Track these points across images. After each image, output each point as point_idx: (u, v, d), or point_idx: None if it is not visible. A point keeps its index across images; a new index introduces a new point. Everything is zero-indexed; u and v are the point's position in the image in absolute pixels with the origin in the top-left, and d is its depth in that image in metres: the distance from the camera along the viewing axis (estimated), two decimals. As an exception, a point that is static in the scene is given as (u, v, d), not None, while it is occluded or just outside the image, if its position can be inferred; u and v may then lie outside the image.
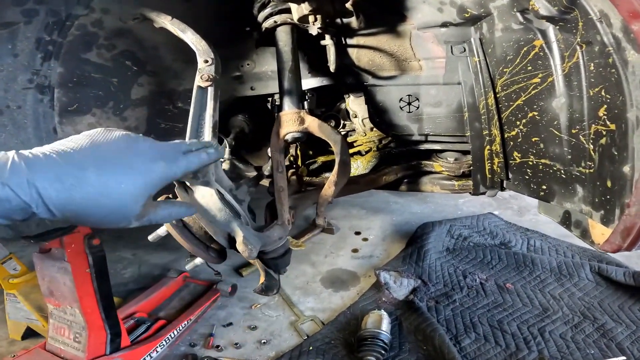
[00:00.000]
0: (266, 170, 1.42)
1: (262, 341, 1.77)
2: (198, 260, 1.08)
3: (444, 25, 1.21)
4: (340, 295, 2.06)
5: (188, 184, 1.02)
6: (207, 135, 1.03)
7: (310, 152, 1.68)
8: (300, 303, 2.02)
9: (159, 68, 1.47)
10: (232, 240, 0.99)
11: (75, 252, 1.35)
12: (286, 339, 1.79)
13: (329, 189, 1.16)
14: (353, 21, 1.26)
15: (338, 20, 1.29)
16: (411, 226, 2.66)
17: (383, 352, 1.58)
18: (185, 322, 1.79)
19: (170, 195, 1.09)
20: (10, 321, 1.83)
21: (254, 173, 1.63)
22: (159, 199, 0.90)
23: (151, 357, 1.61)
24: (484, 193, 1.41)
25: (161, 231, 1.03)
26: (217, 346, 1.75)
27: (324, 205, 1.18)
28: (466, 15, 1.14)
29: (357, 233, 2.65)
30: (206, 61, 1.06)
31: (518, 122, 1.18)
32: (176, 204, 0.72)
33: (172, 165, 0.64)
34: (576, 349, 1.57)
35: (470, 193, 1.49)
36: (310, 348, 1.70)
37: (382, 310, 1.75)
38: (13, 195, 0.48)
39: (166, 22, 1.14)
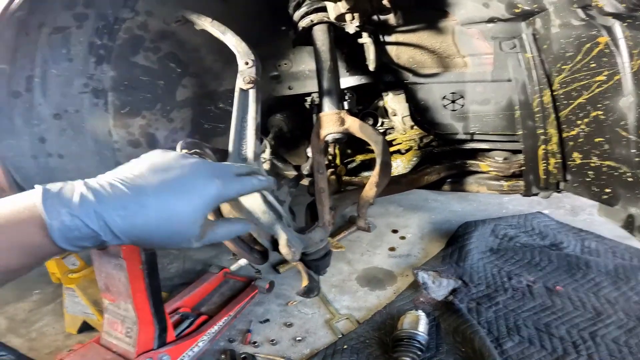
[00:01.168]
0: (305, 169, 1.46)
1: (298, 338, 1.82)
2: (242, 261, 1.12)
3: (491, 21, 1.19)
4: (376, 294, 2.08)
5: None
6: (250, 137, 1.06)
7: (349, 151, 1.70)
8: (336, 301, 2.05)
9: (200, 69, 1.53)
10: (275, 242, 1.02)
11: (130, 249, 1.42)
12: (321, 337, 1.83)
13: (370, 190, 1.17)
14: (390, 18, 1.26)
15: (375, 17, 1.29)
16: (451, 225, 2.63)
17: (419, 353, 1.59)
18: (225, 318, 1.84)
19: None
20: (68, 315, 1.93)
21: (293, 172, 1.66)
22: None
23: (193, 351, 1.66)
24: (536, 194, 1.38)
25: None
26: (254, 342, 1.80)
27: (365, 207, 1.20)
28: (516, 10, 1.12)
29: (395, 231, 2.65)
30: (247, 63, 1.09)
31: (579, 122, 1.14)
32: (233, 222, 0.75)
33: (227, 186, 0.66)
34: (629, 354, 1.52)
35: (520, 194, 1.45)
36: (345, 347, 1.72)
37: (420, 311, 1.76)
38: (82, 225, 0.53)
39: (206, 24, 1.17)
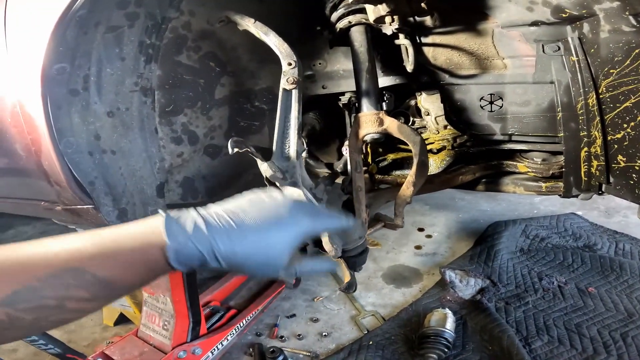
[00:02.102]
0: (338, 167, 1.51)
1: (323, 334, 1.85)
2: None
3: (535, 24, 1.22)
4: (402, 291, 2.11)
5: (277, 184, 1.11)
6: (293, 136, 1.11)
7: (380, 150, 1.74)
8: (361, 298, 2.09)
9: (237, 68, 1.60)
10: (316, 239, 1.07)
11: None
12: (346, 333, 1.86)
13: (407, 190, 1.22)
14: (427, 20, 1.30)
15: (411, 19, 1.32)
16: (479, 224, 2.65)
17: (446, 350, 1.62)
18: (254, 312, 1.89)
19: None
20: (107, 307, 1.99)
21: (324, 169, 1.72)
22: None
23: (223, 344, 1.71)
24: (576, 196, 1.40)
25: None
26: (281, 336, 1.85)
27: (402, 206, 1.24)
28: (563, 15, 1.14)
29: (421, 229, 2.68)
30: (290, 64, 1.13)
31: (625, 125, 1.16)
32: (320, 261, 0.82)
33: (315, 224, 0.75)
34: (660, 355, 1.53)
35: (559, 195, 1.47)
36: (370, 342, 1.75)
37: (447, 309, 1.78)
38: (194, 248, 0.63)
39: (250, 24, 1.22)
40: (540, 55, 1.27)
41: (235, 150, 1.03)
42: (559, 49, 1.23)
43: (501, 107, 1.43)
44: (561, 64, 1.24)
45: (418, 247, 2.50)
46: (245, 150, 1.03)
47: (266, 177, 1.09)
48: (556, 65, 1.26)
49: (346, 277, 1.19)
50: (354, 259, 1.20)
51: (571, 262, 2.12)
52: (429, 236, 2.61)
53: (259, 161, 1.08)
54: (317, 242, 1.09)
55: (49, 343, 1.28)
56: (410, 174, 1.21)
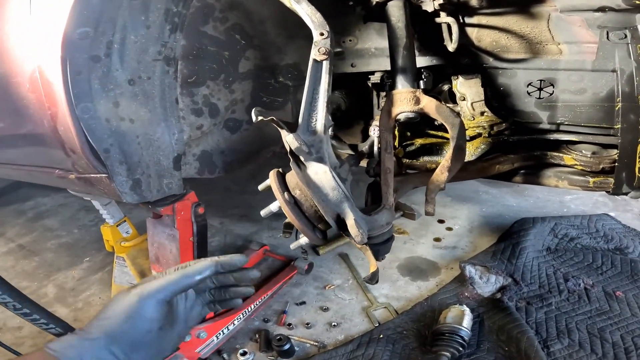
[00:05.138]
0: (364, 148, 1.50)
1: (333, 323, 1.86)
2: (303, 240, 1.16)
3: (601, 10, 1.20)
4: (418, 285, 2.11)
5: (302, 159, 1.10)
6: (321, 110, 1.09)
7: (408, 134, 1.73)
8: (374, 289, 2.09)
9: (263, 42, 1.59)
10: (340, 222, 1.06)
11: (184, 219, 1.49)
12: (357, 324, 1.86)
13: (441, 175, 1.20)
14: None
15: None
16: (504, 220, 2.63)
17: (460, 349, 1.62)
18: (262, 298, 1.92)
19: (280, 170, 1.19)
20: (115, 285, 2.03)
21: (347, 150, 1.71)
22: None
23: (228, 329, 1.73)
24: (625, 194, 1.38)
25: (273, 207, 1.12)
26: (289, 324, 1.86)
27: (435, 192, 1.23)
28: (637, 2, 1.12)
29: (441, 221, 2.66)
30: (322, 34, 1.11)
31: None
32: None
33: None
34: (683, 362, 1.53)
35: (608, 192, 1.45)
36: (381, 336, 1.76)
37: (464, 306, 1.78)
38: None
39: None
40: (603, 42, 1.25)
41: (260, 118, 1.02)
42: (626, 36, 1.21)
43: (551, 94, 1.40)
44: (626, 52, 1.22)
45: (437, 240, 2.49)
46: (270, 119, 1.01)
47: (290, 150, 1.07)
48: (620, 54, 1.24)
49: (372, 267, 1.17)
50: (378, 246, 1.19)
51: (600, 265, 2.11)
52: (449, 229, 2.59)
53: (283, 132, 1.06)
54: (341, 224, 1.07)
55: (50, 322, 1.30)
56: (445, 158, 1.20)
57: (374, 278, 1.17)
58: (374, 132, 1.40)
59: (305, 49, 1.69)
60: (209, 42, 1.42)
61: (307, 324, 1.87)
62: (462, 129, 1.20)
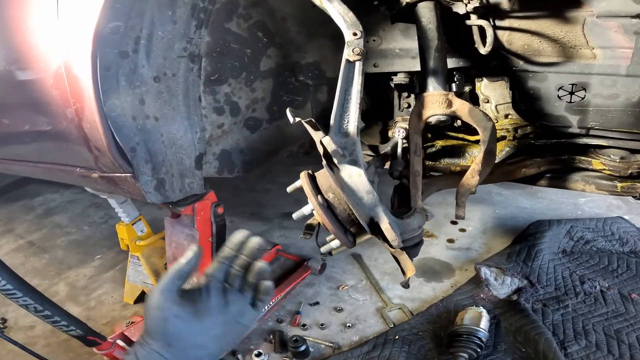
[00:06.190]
0: (386, 149, 1.49)
1: (347, 324, 1.87)
2: (334, 243, 1.15)
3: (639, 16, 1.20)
4: (432, 286, 2.12)
5: (336, 161, 1.09)
6: (353, 111, 1.08)
7: (429, 135, 1.73)
8: (389, 289, 2.09)
9: (285, 40, 1.58)
10: (373, 225, 1.05)
11: (203, 219, 1.49)
12: (371, 325, 1.87)
13: (472, 178, 1.20)
14: (504, 2, 1.27)
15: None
16: (518, 221, 2.64)
17: (478, 350, 1.63)
18: (276, 298, 1.92)
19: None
20: (129, 284, 2.03)
21: (367, 151, 1.71)
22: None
23: None
24: None
25: (306, 210, 1.11)
26: (303, 325, 1.86)
27: (465, 196, 1.23)
28: None
29: (454, 222, 2.67)
30: (355, 34, 1.10)
31: None
32: None
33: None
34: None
35: (635, 197, 1.47)
36: (397, 337, 1.76)
37: (481, 307, 1.79)
38: None
39: None
40: (639, 48, 1.25)
41: (298, 120, 1.01)
42: None
43: (583, 98, 1.40)
44: None
45: (450, 241, 2.50)
46: (309, 121, 1.01)
47: (324, 152, 1.06)
48: None
49: (409, 271, 1.16)
50: (407, 250, 1.19)
51: (616, 267, 2.13)
52: (462, 230, 2.60)
53: (319, 134, 1.05)
54: (375, 227, 1.06)
55: (71, 324, 1.31)
56: (475, 162, 1.20)
57: (407, 283, 1.17)
58: (398, 133, 1.40)
59: (325, 48, 1.69)
60: (232, 39, 1.41)
61: (322, 324, 1.87)
62: (494, 133, 1.20)
